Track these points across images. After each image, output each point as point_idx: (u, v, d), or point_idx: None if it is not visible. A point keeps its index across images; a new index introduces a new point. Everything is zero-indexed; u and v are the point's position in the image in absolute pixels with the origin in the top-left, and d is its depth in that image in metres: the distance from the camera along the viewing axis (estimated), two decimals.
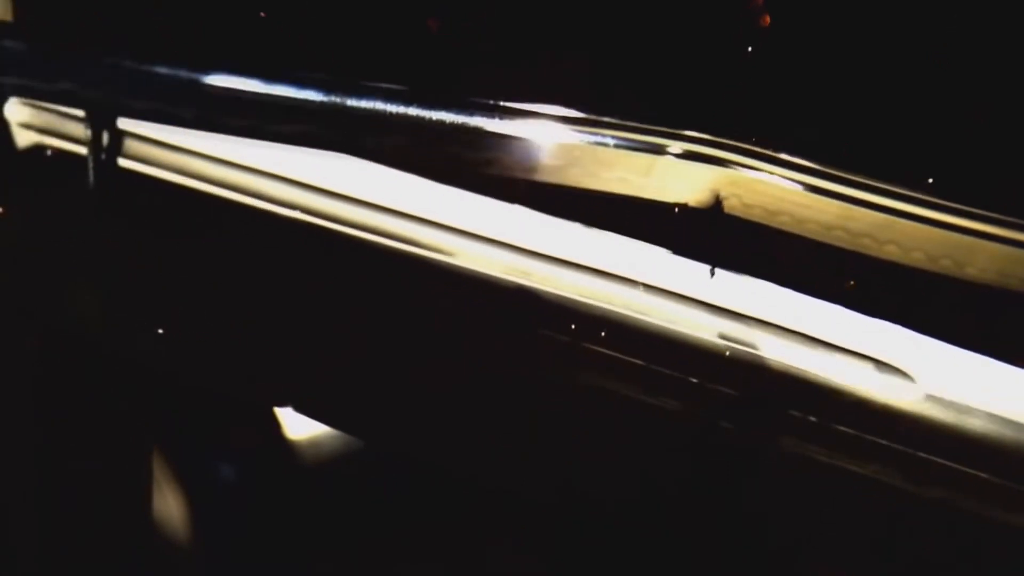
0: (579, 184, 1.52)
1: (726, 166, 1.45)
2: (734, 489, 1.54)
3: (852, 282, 1.46)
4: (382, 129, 1.58)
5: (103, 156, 1.83)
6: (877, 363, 1.41)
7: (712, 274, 1.48)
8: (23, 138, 1.93)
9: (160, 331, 1.94)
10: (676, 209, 1.48)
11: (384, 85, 1.58)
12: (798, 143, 1.45)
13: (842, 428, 1.43)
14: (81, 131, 1.84)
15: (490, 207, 1.62)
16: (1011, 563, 1.40)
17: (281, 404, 2.16)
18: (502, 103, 1.53)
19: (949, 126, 1.49)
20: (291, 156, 1.73)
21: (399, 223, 1.66)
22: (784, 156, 1.44)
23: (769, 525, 1.53)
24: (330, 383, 1.85)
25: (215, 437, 2.37)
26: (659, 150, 1.48)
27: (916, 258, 1.39)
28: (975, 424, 1.36)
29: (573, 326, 1.55)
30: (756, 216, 1.45)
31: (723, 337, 1.47)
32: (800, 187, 1.42)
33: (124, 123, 1.84)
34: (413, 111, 1.56)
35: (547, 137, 1.52)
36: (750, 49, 1.55)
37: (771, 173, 1.44)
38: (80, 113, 1.84)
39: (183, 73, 1.67)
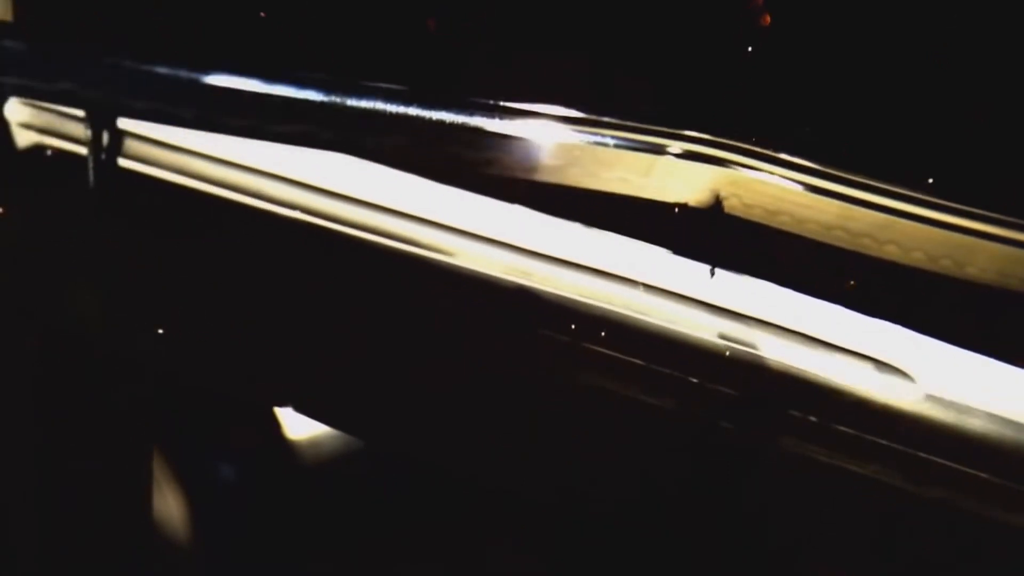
0: (579, 184, 1.52)
1: (726, 166, 1.45)
2: (734, 489, 1.54)
3: (852, 282, 1.46)
4: (382, 129, 1.58)
5: (103, 156, 1.83)
6: (877, 363, 1.41)
7: (712, 274, 1.48)
8: (23, 138, 1.93)
9: (160, 331, 1.94)
10: (676, 209, 1.48)
11: (384, 85, 1.58)
12: (798, 143, 1.45)
13: (842, 428, 1.43)
14: (81, 131, 1.84)
15: (490, 207, 1.62)
16: (1011, 563, 1.39)
17: (281, 404, 2.17)
18: (502, 103, 1.54)
19: (949, 126, 1.49)
20: (291, 156, 1.73)
21: (399, 223, 1.66)
22: (784, 156, 1.44)
23: (769, 525, 1.53)
24: (330, 383, 1.85)
25: (215, 437, 2.37)
26: (659, 150, 1.48)
27: (916, 258, 1.39)
28: (975, 424, 1.36)
29: (573, 326, 1.55)
30: (756, 216, 1.45)
31: (723, 337, 1.47)
32: (800, 187, 1.42)
33: (124, 123, 1.84)
34: (413, 111, 1.56)
35: (547, 137, 1.52)
36: (750, 49, 1.55)
37: (771, 173, 1.44)
38: (80, 113, 1.84)
39: (183, 73, 1.67)
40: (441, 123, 1.54)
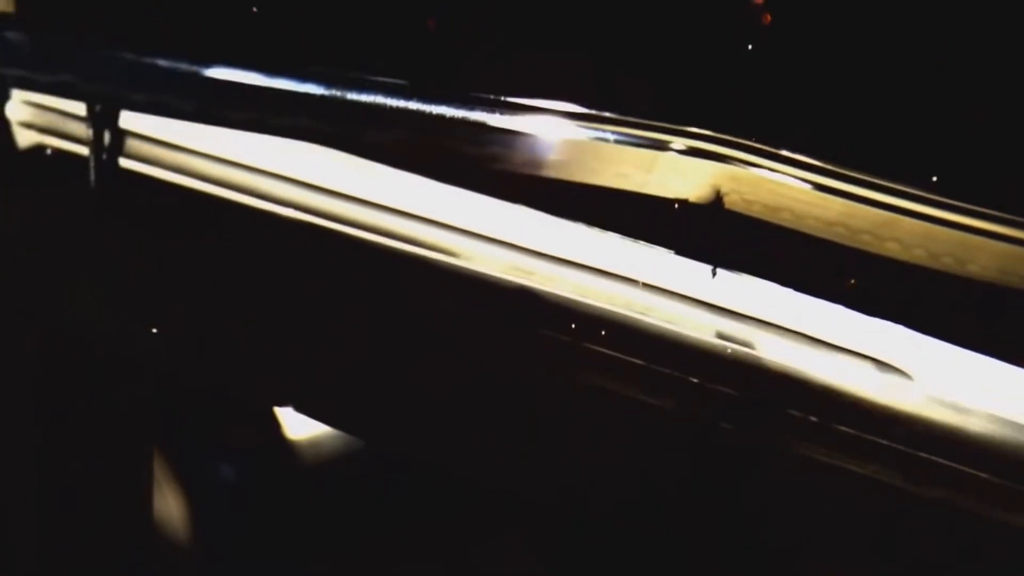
0: (580, 180, 1.52)
1: (728, 163, 1.45)
2: (734, 489, 1.54)
3: (852, 281, 1.46)
4: (383, 123, 1.58)
5: (104, 156, 1.83)
6: (877, 363, 1.41)
7: (714, 274, 1.48)
8: (24, 137, 1.93)
9: (160, 331, 1.94)
10: (676, 205, 1.48)
11: (385, 79, 1.58)
12: (800, 140, 1.45)
13: (842, 428, 1.43)
14: (82, 131, 1.84)
15: (490, 206, 1.62)
16: (1011, 563, 1.39)
17: (281, 404, 2.17)
18: (504, 98, 1.53)
19: (951, 123, 1.49)
20: (291, 155, 1.73)
21: (399, 222, 1.66)
22: (786, 153, 1.44)
23: (769, 525, 1.53)
24: (330, 383, 1.85)
25: (215, 437, 2.37)
26: (661, 146, 1.48)
27: (917, 255, 1.39)
28: (975, 424, 1.36)
29: (573, 326, 1.55)
30: (757, 212, 1.45)
31: (723, 337, 1.47)
32: (801, 183, 1.42)
33: (125, 122, 1.84)
34: (414, 105, 1.55)
35: (549, 132, 1.52)
36: (750, 47, 1.55)
37: (772, 170, 1.43)
38: (81, 112, 1.84)
39: (184, 65, 1.67)
40: (442, 117, 1.54)
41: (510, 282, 1.59)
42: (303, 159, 1.72)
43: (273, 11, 1.85)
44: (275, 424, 2.35)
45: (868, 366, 1.41)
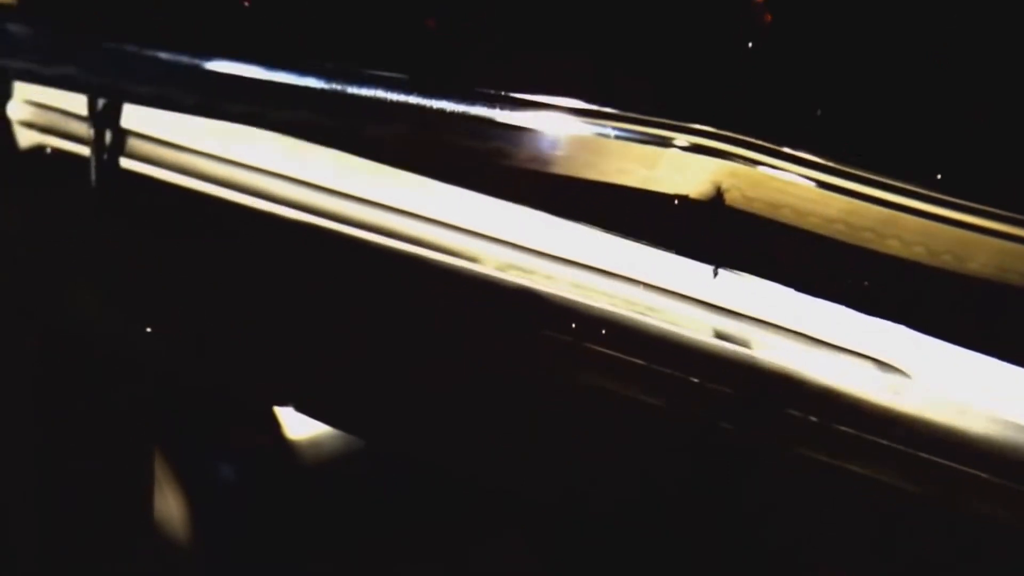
0: (580, 175, 1.52)
1: (731, 159, 1.45)
2: (734, 489, 1.54)
3: (852, 281, 1.46)
4: (383, 118, 1.58)
5: (104, 155, 1.83)
6: (877, 363, 1.41)
7: (715, 274, 1.48)
8: (24, 137, 1.93)
9: (160, 331, 1.94)
10: (676, 201, 1.48)
11: (386, 73, 1.58)
12: (801, 137, 1.45)
13: (842, 428, 1.43)
14: (82, 130, 1.84)
15: (491, 206, 1.62)
16: (1011, 563, 1.39)
17: (281, 404, 2.17)
18: (505, 93, 1.53)
19: (952, 121, 1.48)
20: (291, 155, 1.73)
21: (399, 222, 1.66)
22: (787, 150, 1.44)
23: (769, 525, 1.53)
24: (330, 383, 1.85)
25: (215, 437, 2.37)
26: (663, 142, 1.48)
27: (918, 253, 1.39)
28: (975, 424, 1.36)
29: (574, 326, 1.55)
30: (757, 209, 1.44)
31: (723, 337, 1.47)
32: (803, 180, 1.42)
33: (126, 121, 1.84)
34: (415, 100, 1.55)
35: (549, 128, 1.52)
36: (751, 45, 1.55)
37: (774, 167, 1.43)
38: (82, 112, 1.84)
39: (186, 58, 1.67)
40: (443, 112, 1.54)
41: (510, 282, 1.59)
42: (303, 159, 1.72)
43: (274, 10, 1.85)
44: (275, 424, 2.35)
45: (868, 366, 1.41)
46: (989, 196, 1.37)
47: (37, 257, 2.04)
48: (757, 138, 1.45)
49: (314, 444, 2.37)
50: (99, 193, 1.86)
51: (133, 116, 1.84)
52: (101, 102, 1.83)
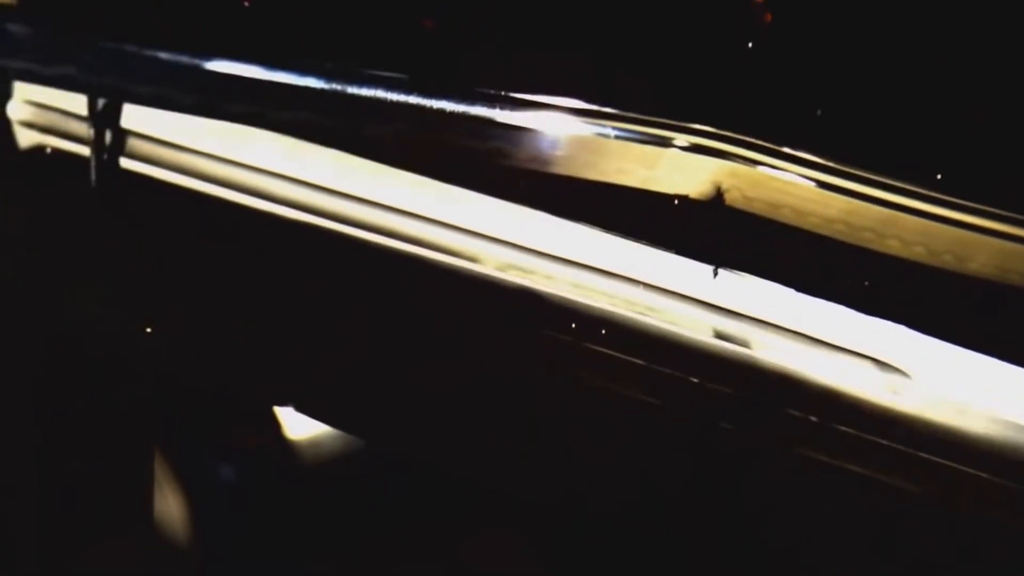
0: (580, 175, 1.52)
1: (731, 159, 1.45)
2: (734, 489, 1.54)
3: (853, 281, 1.46)
4: (383, 117, 1.58)
5: (105, 156, 1.83)
6: (877, 363, 1.41)
7: (715, 274, 1.48)
8: (25, 137, 1.93)
9: (160, 331, 1.94)
10: (676, 201, 1.48)
11: (385, 73, 1.58)
12: (801, 137, 1.45)
13: (842, 428, 1.43)
14: (83, 130, 1.85)
15: (491, 206, 1.62)
16: (1011, 563, 1.39)
17: (281, 404, 2.17)
18: (505, 93, 1.53)
19: (953, 121, 1.48)
20: (291, 155, 1.73)
21: (399, 222, 1.66)
22: (787, 150, 1.44)
23: (769, 525, 1.53)
24: (330, 383, 1.85)
25: (215, 437, 2.37)
26: (663, 142, 1.48)
27: (917, 253, 1.39)
28: (975, 424, 1.36)
29: (574, 325, 1.55)
30: (757, 209, 1.45)
31: (723, 337, 1.47)
32: (803, 180, 1.42)
33: (127, 121, 1.84)
34: (415, 100, 1.55)
35: (549, 128, 1.52)
36: (751, 45, 1.55)
37: (774, 167, 1.44)
38: (82, 112, 1.84)
39: (186, 58, 1.67)
40: (442, 112, 1.54)
41: (510, 282, 1.59)
42: (303, 159, 1.72)
43: (274, 11, 1.85)
44: (275, 424, 2.35)
45: (868, 366, 1.41)
46: (989, 196, 1.37)
47: (37, 257, 2.04)
48: (757, 138, 1.45)
49: (314, 444, 2.37)
50: (99, 193, 1.86)
51: (133, 116, 1.84)
52: (101, 102, 1.83)
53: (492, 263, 1.60)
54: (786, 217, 1.43)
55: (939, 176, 1.42)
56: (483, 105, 1.53)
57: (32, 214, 2.02)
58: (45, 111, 1.90)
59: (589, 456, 1.62)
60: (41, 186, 1.97)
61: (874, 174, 1.40)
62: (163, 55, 1.70)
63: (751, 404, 1.48)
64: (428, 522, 2.34)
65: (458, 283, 1.62)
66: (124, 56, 1.73)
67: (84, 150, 1.85)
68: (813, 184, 1.42)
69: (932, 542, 1.43)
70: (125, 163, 1.85)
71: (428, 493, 2.29)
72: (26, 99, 1.92)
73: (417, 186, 1.66)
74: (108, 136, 1.83)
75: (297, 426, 2.35)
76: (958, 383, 1.37)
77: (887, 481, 1.41)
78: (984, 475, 1.36)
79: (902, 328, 1.40)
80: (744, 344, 1.46)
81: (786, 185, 1.43)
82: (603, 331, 1.53)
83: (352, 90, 1.58)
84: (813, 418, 1.44)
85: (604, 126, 1.50)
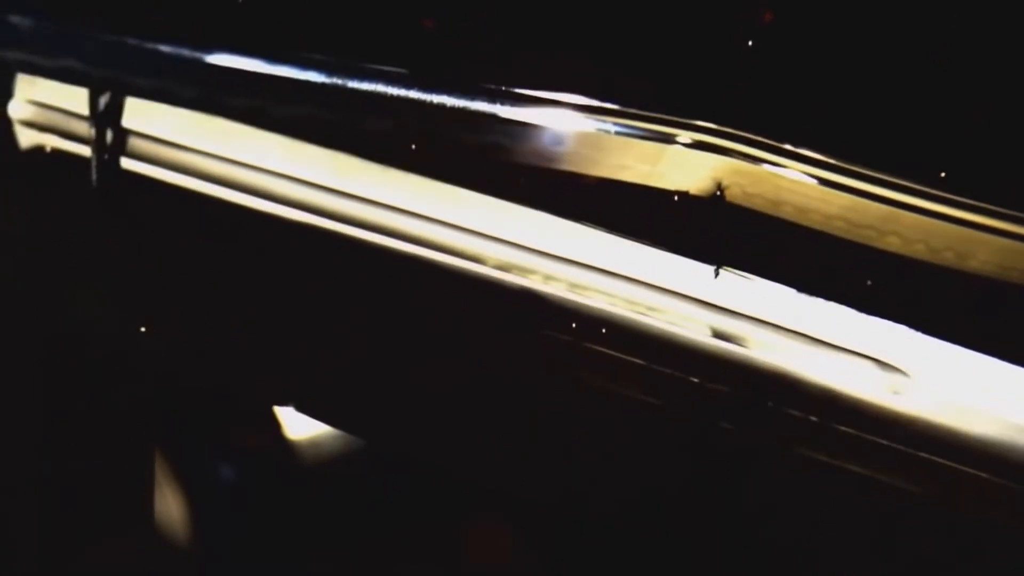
0: (580, 171, 1.52)
1: (734, 156, 1.45)
2: (734, 489, 1.54)
3: (853, 280, 1.46)
4: (384, 112, 1.58)
5: (105, 155, 1.83)
6: (877, 363, 1.41)
7: (716, 274, 1.48)
8: (25, 136, 1.93)
9: (160, 331, 1.94)
10: (677, 198, 1.48)
11: (386, 68, 1.58)
12: (803, 134, 1.45)
13: (842, 428, 1.43)
14: (83, 129, 1.84)
15: (490, 206, 1.62)
16: (1011, 563, 1.39)
17: (281, 404, 2.17)
18: (506, 88, 1.53)
19: (954, 118, 1.48)
20: (292, 155, 1.73)
21: (399, 222, 1.66)
22: (788, 147, 1.44)
23: (769, 525, 1.53)
24: (330, 383, 1.85)
25: (215, 437, 2.37)
26: (664, 139, 1.48)
27: (918, 250, 1.39)
28: (975, 424, 1.36)
29: (574, 325, 1.55)
30: (758, 206, 1.45)
31: (723, 337, 1.47)
32: (804, 177, 1.42)
33: (128, 121, 1.84)
34: (415, 94, 1.55)
35: (550, 123, 1.52)
36: (753, 42, 1.55)
37: (774, 164, 1.44)
38: (83, 111, 1.84)
39: (187, 52, 1.68)
40: (443, 107, 1.54)
41: (510, 282, 1.59)
42: (303, 159, 1.72)
43: (273, 8, 1.85)
44: (275, 424, 2.35)
45: (868, 366, 1.41)
46: (990, 193, 1.37)
47: (37, 257, 2.04)
48: (759, 135, 1.45)
49: (314, 444, 2.37)
50: (99, 193, 1.86)
51: (134, 115, 1.84)
52: (102, 101, 1.83)
53: (492, 263, 1.60)
54: (787, 214, 1.43)
55: (940, 173, 1.42)
56: (484, 100, 1.53)
57: (32, 214, 2.02)
58: (46, 110, 1.90)
59: (589, 456, 1.62)
60: (41, 186, 1.97)
61: (875, 171, 1.40)
62: (163, 48, 1.70)
63: (751, 404, 1.48)
64: (428, 522, 2.34)
65: (458, 283, 1.62)
66: (125, 49, 1.73)
67: (85, 150, 1.85)
68: (814, 181, 1.42)
69: (932, 542, 1.43)
70: (126, 163, 1.85)
71: (428, 493, 2.29)
72: (27, 98, 1.91)
73: (417, 186, 1.66)
74: (109, 136, 1.83)
75: (297, 426, 2.35)
76: (958, 383, 1.37)
77: (887, 481, 1.41)
78: (984, 475, 1.36)
79: (902, 328, 1.40)
80: (744, 344, 1.46)
81: (787, 182, 1.43)
82: (603, 331, 1.53)
83: (353, 84, 1.58)
84: (813, 418, 1.44)
85: (605, 122, 1.50)
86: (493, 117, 1.53)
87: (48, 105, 1.90)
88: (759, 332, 1.45)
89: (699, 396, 1.50)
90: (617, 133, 1.49)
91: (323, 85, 1.60)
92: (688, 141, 1.47)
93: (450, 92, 1.54)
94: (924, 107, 1.48)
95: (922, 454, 1.39)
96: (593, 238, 1.55)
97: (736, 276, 1.48)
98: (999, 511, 1.37)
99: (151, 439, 2.31)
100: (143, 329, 1.96)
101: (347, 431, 2.18)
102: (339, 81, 1.59)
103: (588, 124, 1.51)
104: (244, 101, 1.66)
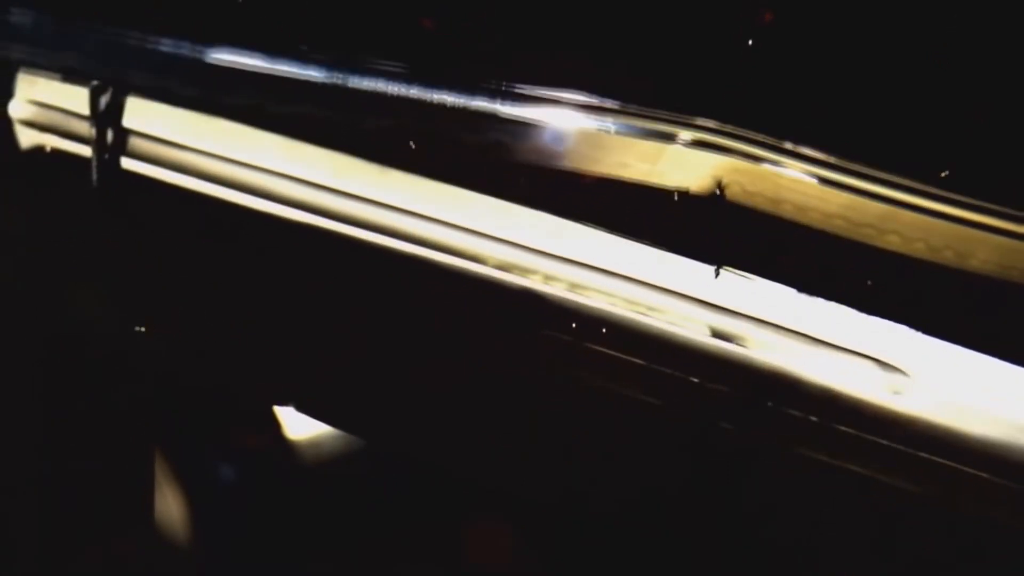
0: (580, 169, 1.52)
1: (734, 155, 1.45)
2: (734, 489, 1.54)
3: (853, 280, 1.46)
4: (383, 110, 1.58)
5: (106, 155, 1.83)
6: (877, 363, 1.41)
7: (716, 274, 1.48)
8: (25, 136, 1.93)
9: (160, 331, 1.94)
10: (677, 196, 1.48)
11: (386, 65, 1.58)
12: (803, 133, 1.45)
13: (842, 428, 1.43)
14: (84, 129, 1.84)
15: (490, 206, 1.62)
16: (1011, 563, 1.39)
17: (281, 404, 2.17)
18: (506, 87, 1.53)
19: (954, 117, 1.48)
20: (291, 155, 1.73)
21: (399, 222, 1.66)
22: (788, 145, 1.44)
23: (769, 525, 1.53)
24: (330, 383, 1.85)
25: (215, 437, 2.37)
26: (664, 137, 1.48)
27: (918, 248, 1.39)
28: (975, 424, 1.36)
29: (574, 325, 1.55)
30: (758, 204, 1.45)
31: (723, 337, 1.47)
32: (804, 176, 1.42)
33: (128, 121, 1.84)
34: (415, 92, 1.55)
35: (550, 122, 1.52)
36: (753, 41, 1.55)
37: (775, 162, 1.44)
38: (83, 111, 1.84)
39: (187, 50, 1.68)
40: (443, 105, 1.54)
41: (510, 282, 1.59)
42: (303, 159, 1.72)
43: (273, 7, 1.85)
44: (275, 424, 2.35)
45: (868, 366, 1.41)
46: (990, 192, 1.37)
47: (37, 257, 2.04)
48: (759, 134, 1.45)
49: (314, 444, 2.37)
50: (99, 193, 1.86)
51: (134, 115, 1.84)
52: (102, 101, 1.83)
53: (492, 263, 1.60)
54: (786, 212, 1.43)
55: (940, 172, 1.42)
56: (484, 98, 1.53)
57: (32, 214, 2.02)
58: (46, 110, 1.90)
59: (589, 456, 1.62)
60: (41, 186, 1.97)
61: (875, 170, 1.40)
62: (164, 46, 1.70)
63: (751, 404, 1.48)
64: (428, 522, 2.34)
65: (458, 283, 1.62)
66: (126, 46, 1.73)
67: (85, 149, 1.85)
68: (814, 180, 1.42)
69: (932, 542, 1.43)
70: (126, 163, 1.85)
71: (428, 493, 2.29)
72: (27, 98, 1.91)
73: (417, 186, 1.66)
74: (109, 135, 1.83)
75: (297, 426, 2.35)
76: (958, 383, 1.37)
77: (887, 481, 1.41)
78: (984, 475, 1.36)
79: (902, 328, 1.40)
80: (744, 344, 1.46)
81: (787, 181, 1.43)
82: (603, 331, 1.53)
83: (353, 82, 1.58)
84: (813, 418, 1.44)
85: (606, 121, 1.50)
86: (493, 115, 1.53)
87: (48, 105, 1.90)
88: (759, 332, 1.45)
89: (699, 396, 1.50)
90: (617, 132, 1.49)
91: (323, 84, 1.60)
92: (688, 140, 1.47)
93: (450, 90, 1.54)
94: (924, 106, 1.48)
95: (922, 454, 1.39)
96: (593, 238, 1.55)
97: (736, 276, 1.48)
98: (999, 511, 1.37)
99: (151, 439, 2.32)
100: (143, 329, 1.96)
101: (347, 431, 2.18)
102: (339, 79, 1.59)
103: (588, 123, 1.51)
104: (244, 99, 1.67)
